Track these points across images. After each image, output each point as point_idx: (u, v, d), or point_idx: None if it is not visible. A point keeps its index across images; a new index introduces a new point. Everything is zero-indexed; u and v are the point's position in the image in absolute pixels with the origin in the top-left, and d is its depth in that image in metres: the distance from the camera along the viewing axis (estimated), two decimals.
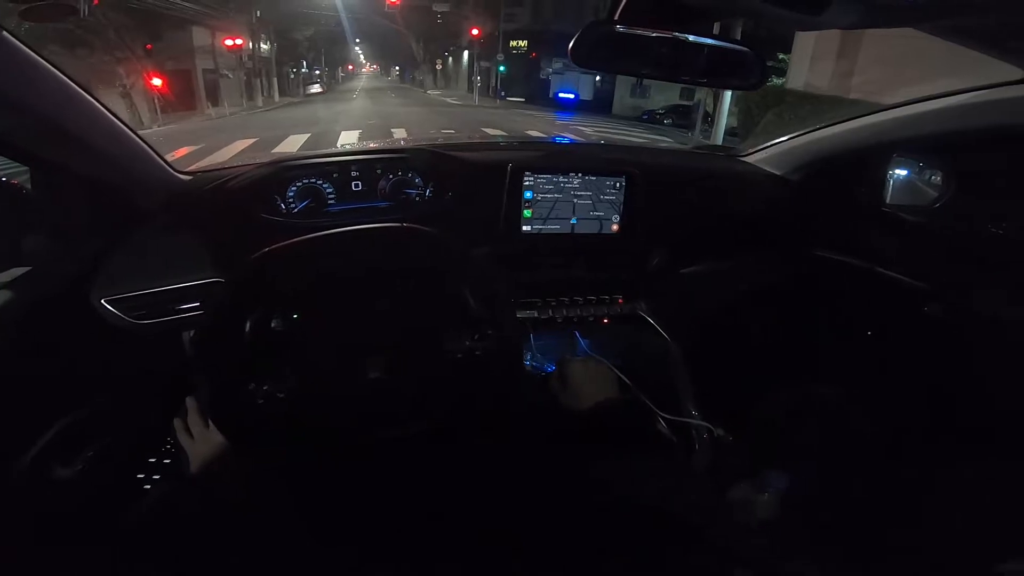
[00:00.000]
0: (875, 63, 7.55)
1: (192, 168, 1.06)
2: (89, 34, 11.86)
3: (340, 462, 0.67)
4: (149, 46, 14.25)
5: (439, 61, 38.25)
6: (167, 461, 0.94)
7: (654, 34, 0.66)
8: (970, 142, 1.00)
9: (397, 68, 60.08)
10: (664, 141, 11.09)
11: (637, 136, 12.17)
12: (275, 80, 25.16)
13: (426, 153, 1.12)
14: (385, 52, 57.50)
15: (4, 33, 0.59)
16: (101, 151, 0.82)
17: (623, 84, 20.33)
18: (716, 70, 0.71)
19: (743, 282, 1.34)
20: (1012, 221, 1.14)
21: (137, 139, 0.88)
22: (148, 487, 0.92)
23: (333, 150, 1.24)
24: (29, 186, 0.86)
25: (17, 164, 0.80)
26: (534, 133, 11.00)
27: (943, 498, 0.95)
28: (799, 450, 1.13)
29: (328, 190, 1.07)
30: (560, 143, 1.63)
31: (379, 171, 1.09)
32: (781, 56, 11.56)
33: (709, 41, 0.69)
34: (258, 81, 22.19)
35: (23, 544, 0.71)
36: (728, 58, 0.71)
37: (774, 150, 1.29)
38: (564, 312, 1.19)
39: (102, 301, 0.86)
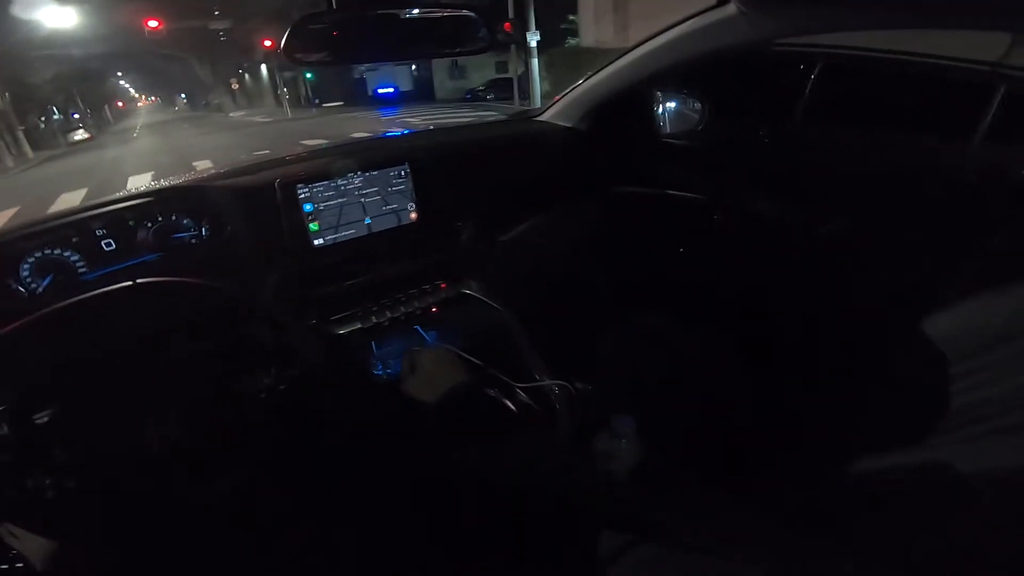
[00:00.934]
0: (641, 17, 8.57)
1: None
2: None
3: (164, 532, 0.66)
4: None
5: (234, 80, 34.20)
6: (18, 564, 0.85)
7: (372, 14, 0.65)
8: (695, 68, 1.09)
9: (183, 96, 52.56)
10: (491, 115, 11.35)
11: (465, 116, 12.24)
12: (20, 134, 20.16)
13: (188, 189, 1.03)
14: (161, 81, 49.79)
15: None
16: None
17: (440, 68, 20.43)
18: (439, 41, 0.71)
19: (558, 234, 1.37)
20: (758, 131, 1.35)
21: None
22: None
23: (58, 211, 1.00)
24: None
25: None
26: (359, 135, 10.40)
27: (790, 407, 0.99)
28: (645, 387, 1.16)
29: (73, 258, 0.91)
30: (343, 143, 1.52)
31: (131, 222, 0.95)
32: (571, 17, 12.49)
33: (421, 13, 0.67)
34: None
35: None
36: (448, 26, 0.71)
37: (561, 104, 1.34)
38: (388, 314, 1.14)
39: None
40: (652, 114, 1.28)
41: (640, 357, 1.27)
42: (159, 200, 0.99)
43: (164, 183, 1.08)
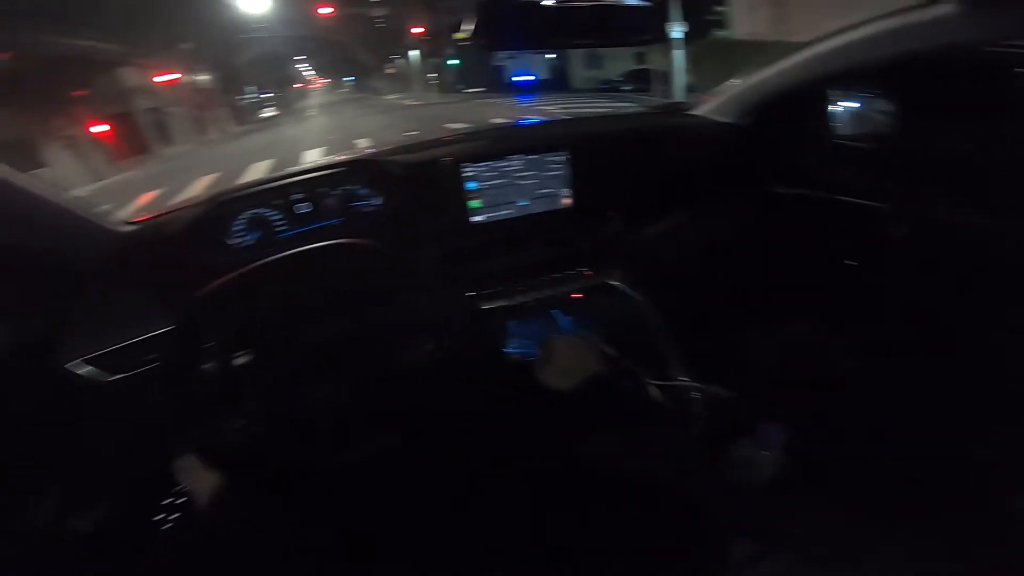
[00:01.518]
0: (804, 8, 7.55)
1: (143, 216, 1.05)
2: (10, 89, 11.14)
3: (318, 482, 0.70)
4: (77, 92, 13.55)
5: (389, 65, 37.55)
6: (181, 500, 0.94)
7: (544, 4, 0.65)
8: (890, 68, 1.02)
9: (348, 79, 58.91)
10: (629, 107, 11.02)
11: (601, 107, 12.01)
12: (224, 110, 24.45)
13: (365, 163, 1.11)
14: (331, 65, 56.32)
15: None
16: (19, 221, 0.79)
17: (576, 58, 20.19)
18: (610, 29, 0.71)
19: (708, 231, 1.33)
20: (955, 139, 1.18)
21: (58, 201, 0.85)
22: (165, 527, 0.92)
23: (269, 176, 1.16)
24: None
25: None
26: (498, 121, 10.80)
27: (950, 434, 0.92)
28: (793, 398, 1.11)
29: (275, 217, 1.04)
30: (505, 126, 1.59)
31: (321, 189, 1.06)
32: (719, 8, 11.45)
33: (599, 2, 0.68)
34: (206, 113, 21.54)
35: None
36: (625, 16, 0.71)
37: (721, 99, 1.29)
38: (533, 295, 1.17)
39: (68, 366, 0.85)
40: (827, 113, 1.19)
41: (791, 367, 1.20)
42: (343, 171, 1.07)
43: (344, 156, 1.17)
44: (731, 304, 1.26)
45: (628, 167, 1.21)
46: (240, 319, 0.73)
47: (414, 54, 28.59)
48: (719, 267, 1.30)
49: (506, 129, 1.46)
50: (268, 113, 28.46)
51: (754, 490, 0.81)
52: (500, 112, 13.35)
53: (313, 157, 9.27)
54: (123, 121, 14.91)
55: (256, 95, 33.31)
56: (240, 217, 1.02)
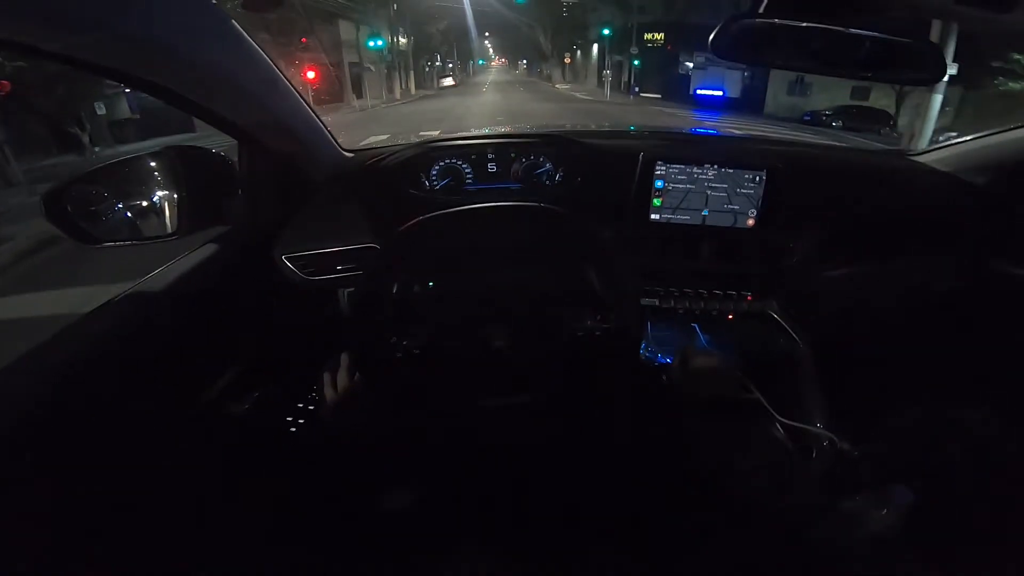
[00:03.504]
0: None
1: (353, 147, 1.19)
2: (261, 29, 12.81)
3: (452, 424, 0.80)
4: (304, 39, 15.27)
5: (567, 55, 37.28)
6: (311, 408, 1.05)
7: (804, 24, 0.60)
8: None
9: (524, 61, 60.54)
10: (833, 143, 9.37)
11: (802, 138, 10.33)
12: (411, 74, 26.29)
13: (558, 138, 1.17)
14: (513, 45, 58.13)
15: (232, 22, 0.71)
16: (294, 130, 0.96)
17: (778, 80, 18.06)
18: (881, 63, 0.65)
19: (896, 289, 1.22)
20: None
21: (318, 120, 1.03)
22: (293, 429, 1.02)
23: (473, 133, 1.22)
24: (236, 158, 0.97)
25: (224, 138, 0.88)
26: (697, 130, 9.83)
27: None
28: (932, 471, 1.03)
29: (467, 170, 1.15)
30: (697, 132, 1.55)
31: (513, 155, 1.15)
32: (1016, 56, 9.10)
33: (871, 33, 0.62)
34: (396, 74, 23.30)
35: (197, 467, 0.79)
36: (895, 50, 0.64)
37: (953, 150, 1.18)
38: (687, 304, 1.15)
39: (283, 257, 1.01)
40: None
41: (933, 445, 1.08)
42: (534, 142, 1.17)
43: (534, 129, 1.22)
44: (895, 369, 1.15)
45: (825, 201, 1.16)
46: (438, 253, 0.78)
47: (595, 48, 28.02)
48: (896, 328, 1.20)
49: (704, 137, 1.39)
50: (447, 83, 30.12)
51: (857, 540, 0.79)
52: (672, 123, 12.45)
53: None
54: (328, 71, 16.59)
55: (440, 64, 35.55)
56: (439, 163, 1.14)
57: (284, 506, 0.73)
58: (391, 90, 22.14)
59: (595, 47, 28.55)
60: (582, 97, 21.22)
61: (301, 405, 1.04)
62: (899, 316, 1.20)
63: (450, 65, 37.76)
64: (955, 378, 1.15)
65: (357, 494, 0.76)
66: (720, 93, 19.52)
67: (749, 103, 18.89)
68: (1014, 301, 1.15)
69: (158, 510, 0.67)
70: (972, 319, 1.17)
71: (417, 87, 27.34)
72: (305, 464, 0.77)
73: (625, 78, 23.60)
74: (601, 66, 26.37)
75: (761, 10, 0.60)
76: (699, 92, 19.79)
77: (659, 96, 21.31)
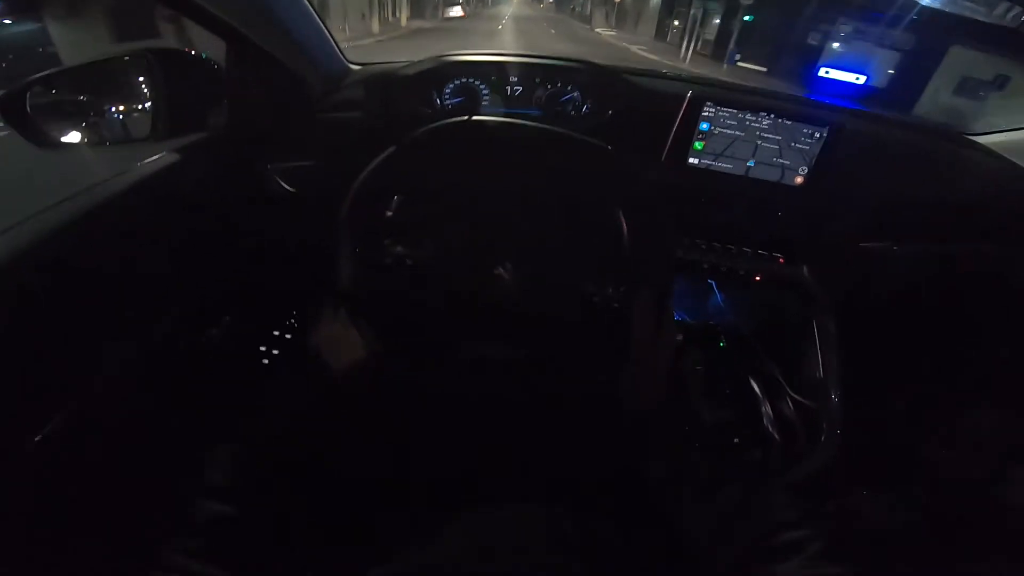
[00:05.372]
0: None
1: (360, 60, 1.09)
2: None
3: (439, 371, 0.73)
4: None
5: None
6: (288, 336, 1.00)
7: None
8: None
9: None
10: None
11: None
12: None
13: (591, 68, 1.07)
14: None
15: None
16: (294, 33, 0.88)
17: (944, 73, 11.63)
18: None
19: (943, 273, 1.14)
20: None
21: (322, 25, 0.94)
22: (266, 361, 0.98)
23: (496, 51, 1.06)
24: (222, 62, 0.87)
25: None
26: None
27: None
28: (943, 468, 1.04)
29: (484, 91, 1.07)
30: (770, 91, 1.14)
31: (537, 79, 1.06)
32: None
33: None
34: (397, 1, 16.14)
35: (152, 403, 0.73)
36: None
37: (1013, 136, 1.12)
38: (712, 258, 1.10)
39: (268, 167, 0.96)
40: None
41: (953, 444, 1.10)
42: (563, 66, 1.07)
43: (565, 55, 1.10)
44: (927, 360, 1.13)
45: (885, 171, 1.07)
46: (445, 174, 0.72)
47: None
48: (933, 311, 1.14)
49: (768, 91, 1.08)
50: (454, 13, 22.95)
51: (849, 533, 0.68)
52: None
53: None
54: None
55: None
56: (455, 81, 1.06)
57: (245, 456, 0.55)
58: (367, 18, 14.95)
59: None
60: (640, 53, 14.69)
61: (277, 333, 1.00)
62: (938, 302, 1.13)
63: None
64: (990, 377, 1.14)
65: (332, 446, 0.64)
66: (860, 79, 12.99)
67: (895, 100, 12.49)
68: None
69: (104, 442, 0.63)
70: (1016, 315, 1.12)
71: (412, 16, 19.88)
72: (274, 405, 0.63)
73: (707, 36, 16.43)
74: (668, 13, 19.02)
75: None
76: (830, 74, 13.14)
77: (764, 70, 14.57)
